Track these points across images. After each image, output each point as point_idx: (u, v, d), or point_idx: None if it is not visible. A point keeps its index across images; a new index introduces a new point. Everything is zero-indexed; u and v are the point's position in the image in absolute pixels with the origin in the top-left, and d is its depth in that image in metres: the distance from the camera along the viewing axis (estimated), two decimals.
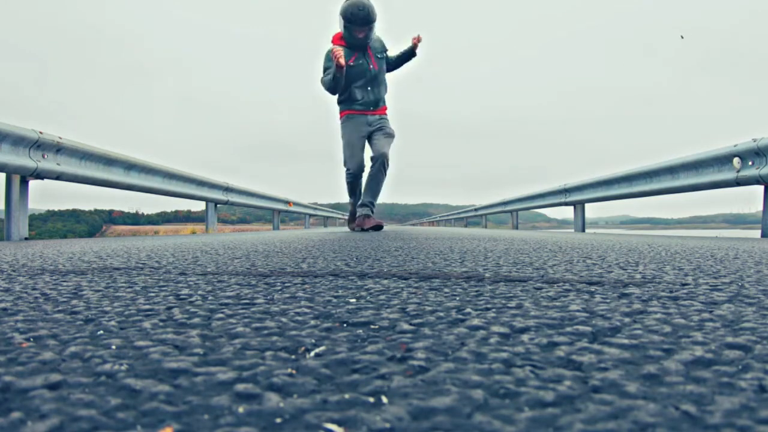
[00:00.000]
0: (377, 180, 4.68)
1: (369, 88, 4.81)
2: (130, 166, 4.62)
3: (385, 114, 4.90)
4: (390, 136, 4.79)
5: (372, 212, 4.68)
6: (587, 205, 6.42)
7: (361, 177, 4.82)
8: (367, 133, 4.77)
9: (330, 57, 4.48)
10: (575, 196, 6.42)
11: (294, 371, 0.35)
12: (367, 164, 4.74)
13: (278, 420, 0.27)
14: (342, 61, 4.27)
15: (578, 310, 0.56)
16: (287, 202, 9.42)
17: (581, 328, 0.47)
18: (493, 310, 0.57)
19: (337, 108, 4.95)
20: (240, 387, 0.31)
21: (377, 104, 4.84)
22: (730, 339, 0.43)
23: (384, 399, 0.30)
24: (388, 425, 0.26)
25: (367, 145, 4.85)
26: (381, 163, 4.63)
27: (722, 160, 3.84)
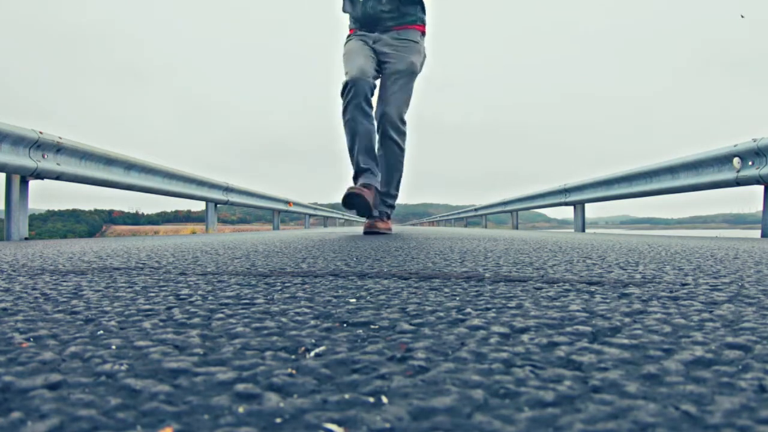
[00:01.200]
0: (387, 157, 2.99)
1: None
2: (130, 166, 4.62)
3: (406, 30, 2.97)
4: (401, 74, 2.88)
5: (388, 212, 3.13)
6: (587, 205, 6.43)
7: (364, 89, 2.83)
8: (374, 49, 2.98)
9: None
10: (575, 196, 6.42)
11: (294, 371, 0.35)
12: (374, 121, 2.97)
13: (278, 420, 0.27)
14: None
15: (578, 310, 0.56)
16: (287, 202, 9.42)
17: (581, 328, 0.47)
18: (493, 310, 0.57)
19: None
20: (240, 387, 0.31)
21: (375, 24, 2.95)
22: (730, 339, 0.43)
23: (384, 399, 0.30)
24: (388, 425, 0.26)
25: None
26: (383, 132, 2.94)
27: (722, 160, 3.84)
